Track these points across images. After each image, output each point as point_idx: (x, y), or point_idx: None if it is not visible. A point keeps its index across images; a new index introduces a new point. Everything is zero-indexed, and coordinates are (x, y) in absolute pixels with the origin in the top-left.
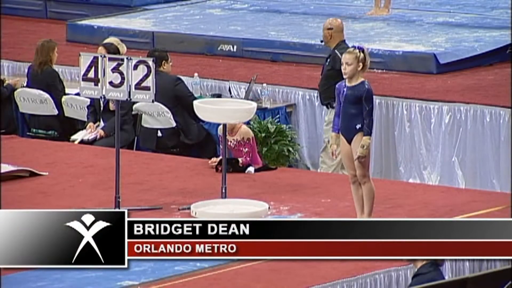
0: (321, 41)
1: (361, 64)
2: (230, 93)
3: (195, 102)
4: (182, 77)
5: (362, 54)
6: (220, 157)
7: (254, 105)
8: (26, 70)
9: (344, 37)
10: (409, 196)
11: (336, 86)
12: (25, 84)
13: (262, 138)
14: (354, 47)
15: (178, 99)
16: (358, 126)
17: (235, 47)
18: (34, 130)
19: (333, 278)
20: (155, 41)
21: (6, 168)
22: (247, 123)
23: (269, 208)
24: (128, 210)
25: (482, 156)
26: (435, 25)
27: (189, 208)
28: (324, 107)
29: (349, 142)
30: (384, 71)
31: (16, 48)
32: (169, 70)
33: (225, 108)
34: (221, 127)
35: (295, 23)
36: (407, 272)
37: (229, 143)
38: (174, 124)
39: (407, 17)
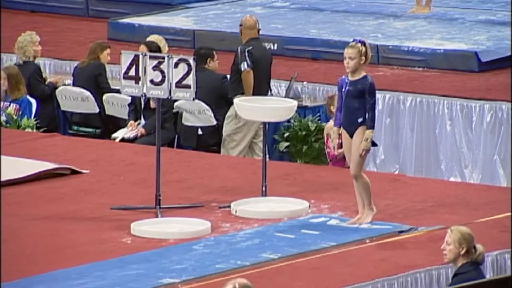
0: None
1: (363, 58)
2: (271, 91)
3: (235, 100)
4: None
5: (364, 48)
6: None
7: (294, 103)
8: (71, 69)
9: (256, 34)
10: (450, 195)
11: (338, 80)
12: (71, 83)
13: (302, 137)
14: (355, 40)
15: (223, 97)
16: (360, 120)
17: (275, 45)
18: (75, 128)
19: (374, 276)
20: (196, 39)
21: (47, 165)
22: (288, 121)
23: (309, 206)
24: (169, 208)
25: None
26: (477, 23)
27: (229, 206)
28: None
29: (351, 136)
30: (426, 69)
31: (58, 46)
32: (215, 68)
33: (265, 106)
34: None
35: (336, 21)
36: (447, 271)
37: None
38: (214, 122)
39: (449, 15)
